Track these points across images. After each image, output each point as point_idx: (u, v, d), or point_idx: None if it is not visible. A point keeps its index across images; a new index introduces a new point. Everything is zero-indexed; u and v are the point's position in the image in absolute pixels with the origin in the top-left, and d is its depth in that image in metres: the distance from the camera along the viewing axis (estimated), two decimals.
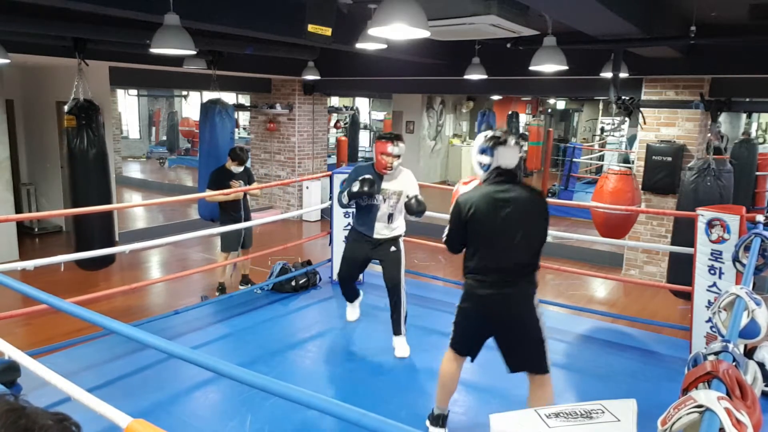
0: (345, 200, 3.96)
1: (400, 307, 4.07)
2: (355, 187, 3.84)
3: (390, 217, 4.03)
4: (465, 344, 2.92)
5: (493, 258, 2.76)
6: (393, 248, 4.10)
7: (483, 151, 2.81)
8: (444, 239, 2.91)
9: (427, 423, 3.10)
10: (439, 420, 3.06)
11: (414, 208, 3.92)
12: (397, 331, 4.14)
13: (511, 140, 2.81)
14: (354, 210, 4.19)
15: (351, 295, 4.58)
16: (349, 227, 5.92)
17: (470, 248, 2.82)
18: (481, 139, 2.87)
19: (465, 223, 2.76)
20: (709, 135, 4.83)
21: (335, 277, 5.72)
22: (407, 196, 3.96)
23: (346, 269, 4.31)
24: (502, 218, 2.73)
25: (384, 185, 3.98)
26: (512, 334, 2.81)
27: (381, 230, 4.04)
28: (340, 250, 5.76)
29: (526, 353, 2.81)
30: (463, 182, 3.04)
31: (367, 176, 3.88)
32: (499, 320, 2.80)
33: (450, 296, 5.55)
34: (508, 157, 2.80)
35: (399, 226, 4.13)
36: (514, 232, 2.74)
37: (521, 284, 2.78)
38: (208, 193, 5.15)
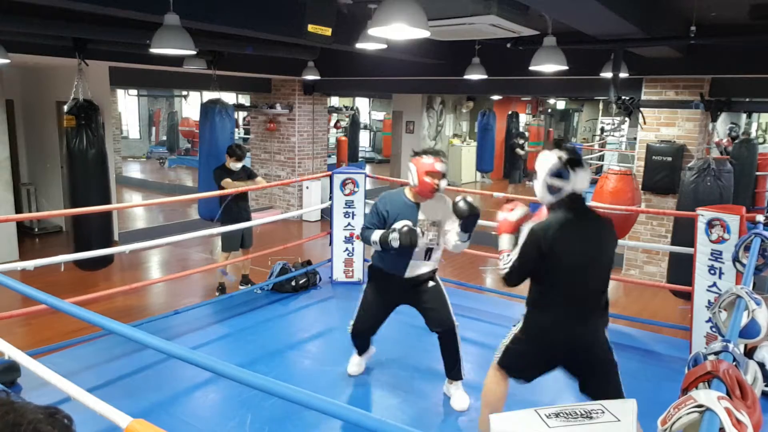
0: (377, 247, 3.22)
1: (458, 351, 3.41)
2: (395, 242, 3.10)
3: (428, 252, 3.31)
4: (524, 372, 2.72)
5: (573, 291, 2.53)
6: (432, 283, 3.40)
7: (558, 175, 2.49)
8: (507, 271, 2.57)
9: None
10: None
11: (466, 212, 3.03)
12: (457, 376, 3.47)
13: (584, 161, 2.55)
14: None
15: (363, 345, 3.77)
16: (350, 232, 5.83)
17: (546, 281, 2.55)
18: (552, 159, 2.52)
19: (544, 255, 2.47)
20: (724, 140, 4.82)
21: (335, 277, 5.72)
22: (454, 202, 3.14)
23: (367, 320, 3.53)
24: (584, 248, 2.53)
25: (421, 216, 3.26)
26: (588, 367, 2.63)
27: (416, 269, 3.32)
28: (340, 251, 5.79)
29: (603, 384, 2.59)
30: (509, 209, 2.72)
31: (407, 225, 3.14)
32: (574, 354, 2.61)
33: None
34: (585, 180, 2.53)
35: (436, 259, 3.43)
36: (595, 262, 2.57)
37: (598, 316, 2.61)
38: (224, 187, 5.11)
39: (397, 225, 3.15)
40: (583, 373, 2.64)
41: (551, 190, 2.53)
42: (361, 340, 3.71)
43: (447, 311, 3.38)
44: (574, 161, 2.50)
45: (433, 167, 3.17)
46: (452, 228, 3.25)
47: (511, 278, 2.58)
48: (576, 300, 2.54)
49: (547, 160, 2.54)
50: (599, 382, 2.61)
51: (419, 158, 3.22)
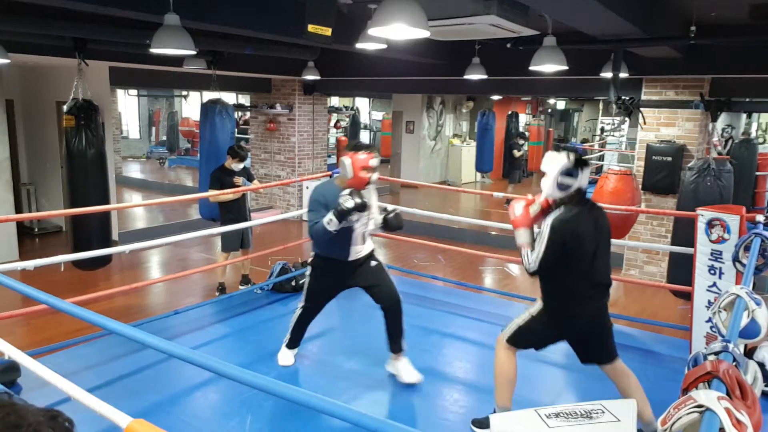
0: (334, 226, 3.27)
1: (402, 323, 3.63)
2: (349, 204, 3.22)
3: (364, 236, 3.59)
4: (536, 345, 3.05)
5: (590, 276, 2.83)
6: (374, 262, 3.65)
7: (569, 174, 2.76)
8: (534, 264, 2.78)
9: None
10: None
11: (394, 224, 3.59)
12: (400, 348, 3.67)
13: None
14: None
15: (300, 337, 3.96)
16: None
17: (565, 268, 2.79)
18: (563, 159, 2.78)
19: (568, 247, 2.74)
20: (714, 139, 4.82)
21: None
22: (384, 209, 3.59)
23: (315, 307, 3.78)
24: (595, 236, 2.84)
25: None
26: (595, 340, 2.97)
27: (357, 251, 3.57)
28: None
29: (603, 351, 2.97)
30: (526, 204, 2.91)
31: (350, 191, 3.31)
32: (589, 331, 2.93)
33: (450, 296, 5.56)
34: (587, 177, 2.85)
35: (370, 243, 3.71)
36: (604, 248, 2.89)
37: (606, 296, 2.94)
38: (211, 193, 5.15)
39: (344, 193, 3.30)
40: (586, 343, 2.97)
41: (561, 187, 2.78)
42: (305, 326, 3.89)
43: (391, 285, 3.62)
44: (581, 161, 2.79)
45: (368, 163, 3.38)
46: (376, 213, 3.61)
47: (540, 271, 2.79)
48: (594, 284, 2.84)
49: (557, 160, 2.79)
50: (599, 348, 2.96)
51: (355, 154, 3.38)
